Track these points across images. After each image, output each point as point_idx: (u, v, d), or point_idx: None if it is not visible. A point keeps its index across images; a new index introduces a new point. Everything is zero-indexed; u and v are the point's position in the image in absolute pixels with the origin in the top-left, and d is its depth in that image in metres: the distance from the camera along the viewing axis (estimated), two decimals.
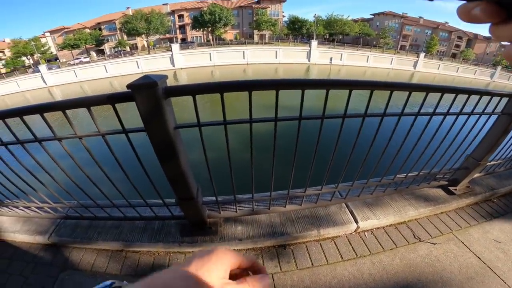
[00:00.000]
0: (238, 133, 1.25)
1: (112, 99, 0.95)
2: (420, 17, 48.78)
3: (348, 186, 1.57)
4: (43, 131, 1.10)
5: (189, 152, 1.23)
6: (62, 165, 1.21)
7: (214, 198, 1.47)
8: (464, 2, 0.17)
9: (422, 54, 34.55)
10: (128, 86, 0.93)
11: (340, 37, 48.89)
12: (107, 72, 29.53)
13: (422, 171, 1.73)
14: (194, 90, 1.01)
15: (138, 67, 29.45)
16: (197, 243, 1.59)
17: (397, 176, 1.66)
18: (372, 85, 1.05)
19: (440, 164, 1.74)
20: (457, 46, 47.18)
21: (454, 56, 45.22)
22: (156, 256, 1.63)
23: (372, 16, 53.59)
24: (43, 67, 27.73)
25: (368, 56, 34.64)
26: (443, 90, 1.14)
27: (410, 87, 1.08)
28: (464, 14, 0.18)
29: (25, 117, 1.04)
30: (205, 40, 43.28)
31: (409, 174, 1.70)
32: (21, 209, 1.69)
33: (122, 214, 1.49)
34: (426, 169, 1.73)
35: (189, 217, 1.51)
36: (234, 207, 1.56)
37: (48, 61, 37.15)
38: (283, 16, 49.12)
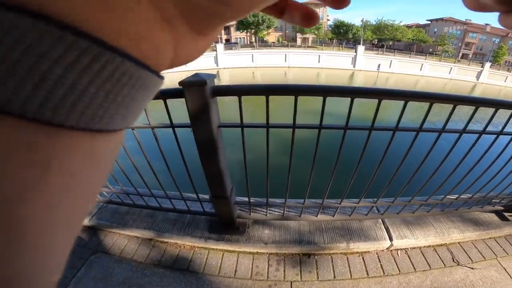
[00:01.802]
0: (277, 137, 1.24)
1: (165, 94, 1.00)
2: (486, 24, 44.40)
3: (388, 202, 1.47)
4: None
5: (225, 151, 1.24)
6: None
7: (246, 199, 1.47)
8: None
9: (487, 64, 30.55)
10: (180, 83, 0.97)
11: (391, 43, 46.41)
12: None
13: (476, 194, 1.56)
14: (240, 91, 1.02)
15: (185, 65, 30.83)
16: (222, 241, 1.60)
17: (447, 197, 1.52)
18: (432, 98, 0.96)
19: (499, 188, 1.56)
20: None
21: None
22: (181, 249, 1.68)
23: (429, 22, 49.97)
24: None
25: (422, 64, 31.37)
26: None
27: (477, 102, 0.97)
28: (472, 2, 0.16)
29: None
30: (248, 42, 43.73)
31: (461, 196, 1.54)
32: None
33: (158, 204, 1.56)
34: (481, 192, 1.56)
35: (219, 215, 1.53)
36: (265, 210, 1.55)
37: None
38: (328, 20, 47.97)
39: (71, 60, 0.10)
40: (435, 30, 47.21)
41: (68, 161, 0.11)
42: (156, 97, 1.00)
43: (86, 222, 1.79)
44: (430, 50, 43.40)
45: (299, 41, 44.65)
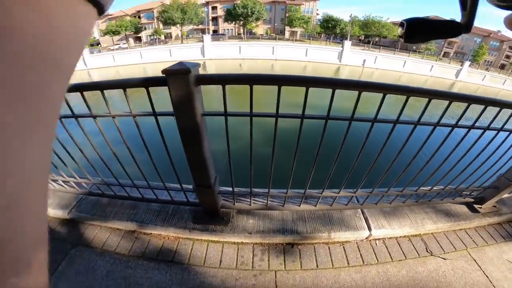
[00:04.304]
0: (261, 127, 1.25)
1: (147, 82, 0.99)
2: None
3: (367, 193, 1.52)
4: (78, 108, 1.15)
5: (209, 141, 1.24)
6: (93, 142, 1.25)
7: (230, 189, 1.48)
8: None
9: (467, 63, 31.49)
10: (163, 72, 0.96)
11: (377, 39, 47.05)
12: (141, 58, 30.18)
13: (448, 186, 1.65)
14: (224, 79, 1.01)
15: (170, 55, 29.94)
16: (207, 231, 1.61)
17: (421, 188, 1.59)
18: (408, 91, 1.00)
19: (469, 181, 1.65)
20: (508, 56, 42.82)
21: (503, 67, 41.38)
22: (166, 240, 1.67)
23: None
24: (85, 51, 28.51)
25: (405, 61, 31.89)
26: (486, 102, 1.07)
27: (450, 96, 1.01)
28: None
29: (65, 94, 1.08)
30: (236, 33, 43.25)
31: (434, 188, 1.62)
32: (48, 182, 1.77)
33: (141, 195, 1.53)
34: (453, 184, 1.64)
35: (203, 204, 1.53)
36: (249, 200, 1.56)
37: (91, 45, 38.67)
38: (317, 14, 48.12)
39: None
40: None
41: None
42: (138, 86, 0.99)
43: (65, 215, 1.74)
44: (414, 47, 44.20)
45: (287, 34, 44.72)
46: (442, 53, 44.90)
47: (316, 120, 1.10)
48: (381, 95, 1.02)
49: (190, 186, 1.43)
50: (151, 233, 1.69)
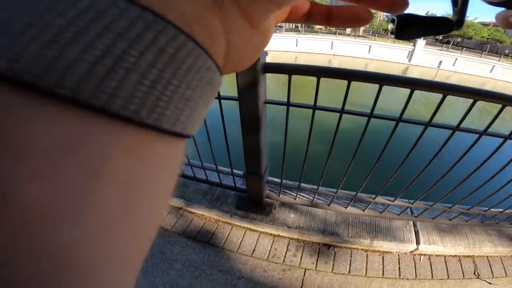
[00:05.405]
0: (319, 124, 1.22)
1: None
2: None
3: (425, 206, 1.40)
4: None
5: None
6: None
7: (278, 180, 1.48)
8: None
9: None
10: None
11: (459, 39, 41.46)
12: None
13: None
14: (291, 69, 1.00)
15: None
16: (247, 218, 1.65)
17: (491, 209, 1.41)
18: (504, 99, 0.87)
19: None
20: None
21: None
22: (207, 221, 1.75)
23: None
24: None
25: (493, 66, 25.80)
26: None
27: None
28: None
29: None
30: (294, 26, 41.99)
31: (506, 211, 1.43)
32: None
33: (193, 174, 1.61)
34: None
35: (249, 192, 1.56)
36: (295, 194, 1.55)
37: None
38: None
39: (148, 42, 0.08)
40: None
41: (125, 168, 0.09)
42: None
43: None
44: (506, 51, 36.42)
45: (348, 29, 42.17)
46: None
47: (385, 122, 1.03)
48: (468, 102, 0.90)
49: (240, 172, 1.46)
50: (195, 213, 1.78)
